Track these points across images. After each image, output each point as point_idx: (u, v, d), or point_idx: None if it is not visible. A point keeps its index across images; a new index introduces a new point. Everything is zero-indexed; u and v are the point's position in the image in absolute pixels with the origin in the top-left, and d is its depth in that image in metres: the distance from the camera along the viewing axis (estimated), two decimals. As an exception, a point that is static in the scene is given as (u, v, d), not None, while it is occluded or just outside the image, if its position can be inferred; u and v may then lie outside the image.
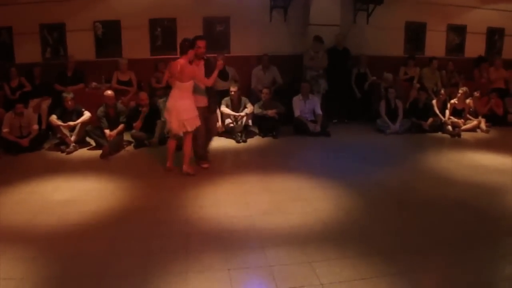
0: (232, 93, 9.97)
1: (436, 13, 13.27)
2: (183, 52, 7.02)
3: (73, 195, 6.44)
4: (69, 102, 8.96)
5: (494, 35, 14.21)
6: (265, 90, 10.30)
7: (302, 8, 12.04)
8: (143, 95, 9.38)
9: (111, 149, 8.63)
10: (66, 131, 8.83)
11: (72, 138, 8.84)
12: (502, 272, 4.63)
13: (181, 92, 7.06)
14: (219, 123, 9.92)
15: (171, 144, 7.64)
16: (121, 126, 9.05)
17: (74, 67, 10.48)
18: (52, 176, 7.32)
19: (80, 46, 10.98)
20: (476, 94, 11.59)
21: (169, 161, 7.60)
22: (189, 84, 7.07)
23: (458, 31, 13.85)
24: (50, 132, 9.54)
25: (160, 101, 9.73)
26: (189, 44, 7.03)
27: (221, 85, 10.68)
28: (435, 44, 13.52)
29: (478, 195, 6.63)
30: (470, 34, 13.89)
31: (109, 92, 9.16)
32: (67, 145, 8.75)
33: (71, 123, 8.93)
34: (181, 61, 6.96)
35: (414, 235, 5.32)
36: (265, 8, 11.91)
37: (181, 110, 7.01)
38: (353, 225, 5.56)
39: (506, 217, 5.85)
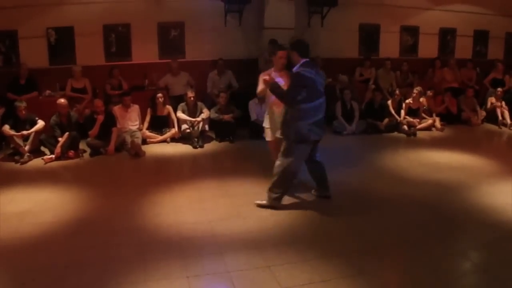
0: (191, 98, 9.97)
1: (389, 14, 13.51)
2: None
3: (28, 206, 6.32)
4: (23, 112, 8.78)
5: (446, 36, 14.54)
6: (222, 95, 10.31)
7: (256, 12, 12.05)
8: (98, 102, 9.25)
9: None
10: (19, 141, 8.62)
11: (26, 148, 8.64)
12: (460, 268, 4.77)
13: None
14: (175, 129, 9.91)
15: None
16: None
17: (27, 75, 10.23)
18: (6, 187, 7.13)
19: (33, 54, 10.72)
20: (429, 93, 11.83)
21: None
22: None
23: (411, 32, 14.12)
24: (3, 143, 9.32)
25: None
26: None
27: (177, 90, 10.72)
28: (389, 45, 13.75)
29: (434, 193, 6.83)
30: (423, 35, 14.20)
31: (62, 100, 9.00)
32: (21, 155, 8.56)
33: (25, 132, 8.73)
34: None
35: (372, 235, 5.44)
36: (220, 12, 11.88)
37: None
38: (311, 228, 5.65)
39: (462, 214, 6.03)
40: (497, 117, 11.95)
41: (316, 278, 4.39)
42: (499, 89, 12.40)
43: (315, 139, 6.17)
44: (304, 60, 6.03)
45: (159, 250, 5.00)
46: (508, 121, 11.76)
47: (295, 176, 6.37)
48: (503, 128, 11.67)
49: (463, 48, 14.68)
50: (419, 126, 11.16)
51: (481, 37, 14.92)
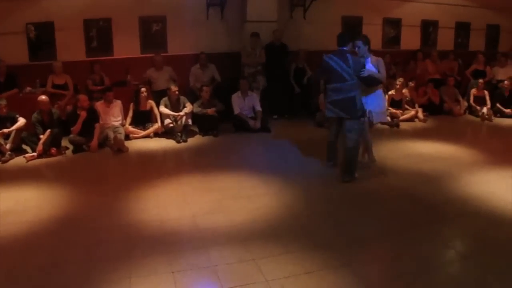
0: (176, 92, 9.93)
1: (372, 7, 13.53)
2: None
3: (10, 205, 6.22)
4: (3, 109, 8.66)
5: (428, 28, 14.64)
6: (205, 88, 10.29)
7: (238, 5, 12.01)
8: (83, 98, 9.13)
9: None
10: (0, 139, 8.54)
11: (8, 146, 8.53)
12: (444, 256, 4.80)
13: None
14: (159, 124, 9.86)
15: None
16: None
17: (6, 72, 10.06)
18: (-13, 186, 7.06)
19: (13, 50, 10.53)
20: (411, 84, 11.89)
21: None
22: None
23: (393, 24, 14.18)
24: (-17, 141, 9.19)
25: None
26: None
27: (160, 85, 10.65)
28: (372, 37, 13.54)
29: (418, 183, 6.88)
30: (405, 27, 14.28)
31: (43, 97, 8.88)
32: (3, 153, 8.44)
33: (5, 130, 8.61)
34: None
35: (357, 227, 5.45)
36: (202, 6, 11.83)
37: None
38: (296, 220, 5.64)
39: (445, 203, 6.09)
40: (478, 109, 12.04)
41: (301, 270, 4.39)
42: (480, 80, 12.51)
43: (329, 115, 7.11)
44: (339, 48, 7.14)
45: (144, 246, 4.96)
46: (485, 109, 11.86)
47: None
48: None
49: (445, 40, 14.79)
50: (402, 117, 11.23)
51: (462, 29, 15.05)
